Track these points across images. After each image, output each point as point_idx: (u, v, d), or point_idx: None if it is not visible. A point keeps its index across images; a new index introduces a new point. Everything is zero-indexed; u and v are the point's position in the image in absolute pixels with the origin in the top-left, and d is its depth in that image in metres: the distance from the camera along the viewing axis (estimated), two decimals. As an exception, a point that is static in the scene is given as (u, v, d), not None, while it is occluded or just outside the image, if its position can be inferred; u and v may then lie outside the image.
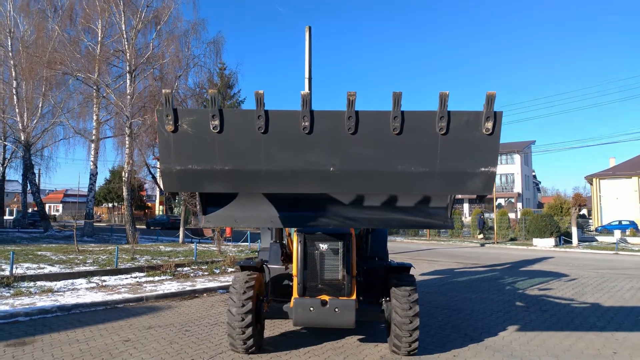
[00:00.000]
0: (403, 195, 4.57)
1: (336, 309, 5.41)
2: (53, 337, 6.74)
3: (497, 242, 29.81)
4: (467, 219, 46.33)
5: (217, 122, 3.59)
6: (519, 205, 54.56)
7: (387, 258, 7.52)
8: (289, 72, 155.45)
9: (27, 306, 8.36)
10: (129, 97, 22.04)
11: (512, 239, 31.52)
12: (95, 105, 24.90)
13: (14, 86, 28.42)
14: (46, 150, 34.23)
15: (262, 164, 3.70)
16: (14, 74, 28.40)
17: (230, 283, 6.22)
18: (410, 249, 24.70)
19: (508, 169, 60.06)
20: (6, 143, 34.76)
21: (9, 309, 8.10)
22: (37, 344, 6.39)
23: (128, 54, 22.28)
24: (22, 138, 28.87)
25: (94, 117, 25.29)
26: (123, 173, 24.82)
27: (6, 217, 42.97)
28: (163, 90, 3.59)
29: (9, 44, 28.21)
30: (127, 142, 22.64)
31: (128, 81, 22.42)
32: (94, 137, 25.22)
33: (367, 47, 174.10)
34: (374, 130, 3.58)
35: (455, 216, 34.17)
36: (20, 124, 28.53)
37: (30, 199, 37.70)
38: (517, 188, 59.38)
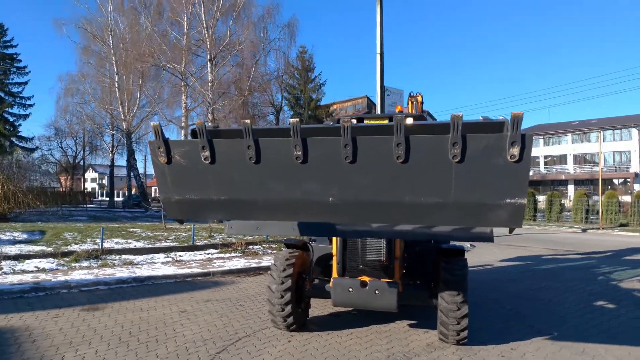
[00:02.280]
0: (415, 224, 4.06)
1: (376, 291, 5.13)
2: (122, 304, 7.22)
3: (603, 228, 26.96)
4: (570, 202, 42.53)
5: (207, 153, 3.45)
6: (637, 186, 48.74)
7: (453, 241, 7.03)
8: (364, 51, 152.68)
9: (108, 276, 9.08)
10: (210, 84, 23.04)
11: (622, 225, 28.30)
12: (183, 94, 26.39)
13: (116, 80, 31.06)
14: (146, 138, 37.16)
15: (258, 194, 3.52)
16: (115, 69, 31.01)
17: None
18: (496, 233, 23.07)
19: (623, 145, 53.61)
20: (113, 132, 38.27)
21: (92, 278, 8.87)
22: (107, 310, 6.89)
23: (208, 43, 23.22)
24: (124, 127, 31.56)
25: (183, 105, 26.85)
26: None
27: (117, 198, 47.60)
28: (152, 124, 3.54)
29: (111, 41, 30.80)
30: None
31: (209, 69, 23.42)
32: (183, 124, 26.81)
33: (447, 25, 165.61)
34: (376, 158, 3.15)
35: (554, 198, 31.38)
36: (122, 114, 31.21)
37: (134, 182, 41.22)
38: (634, 167, 52.85)
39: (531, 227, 28.28)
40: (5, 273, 9.22)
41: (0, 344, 5.30)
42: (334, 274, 5.48)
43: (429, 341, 5.53)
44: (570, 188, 53.43)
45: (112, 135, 39.68)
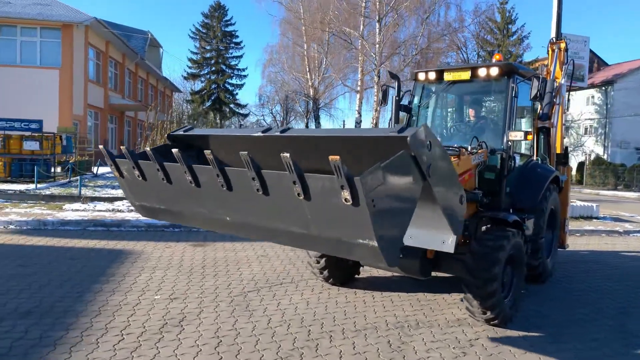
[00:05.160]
0: None
1: (401, 255, 4.85)
2: (218, 244, 8.31)
3: None
4: None
5: (137, 172, 3.98)
6: None
7: (542, 211, 6.06)
8: None
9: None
10: (377, 45, 23.08)
11: None
12: (360, 57, 27.05)
13: (305, 48, 33.52)
14: (329, 105, 39.53)
15: (180, 207, 4.01)
16: (304, 38, 33.44)
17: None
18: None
19: None
20: (304, 98, 41.69)
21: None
22: (208, 247, 8.07)
23: (377, 3, 23.08)
24: (311, 93, 34.11)
25: (359, 69, 27.57)
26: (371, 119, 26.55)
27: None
28: (100, 147, 4.18)
29: (301, 11, 33.19)
30: (375, 90, 23.96)
31: (377, 30, 23.40)
32: (359, 87, 27.61)
33: None
34: (246, 188, 3.25)
35: None
36: (309, 81, 33.72)
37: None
38: None
39: None
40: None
41: (112, 259, 6.80)
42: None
43: (460, 316, 5.00)
44: None
45: (306, 102, 43.25)
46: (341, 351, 4.06)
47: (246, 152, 3.03)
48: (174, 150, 3.53)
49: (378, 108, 23.71)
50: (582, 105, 39.69)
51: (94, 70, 26.34)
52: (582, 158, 37.81)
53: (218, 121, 49.81)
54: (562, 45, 8.23)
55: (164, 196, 4.06)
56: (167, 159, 3.85)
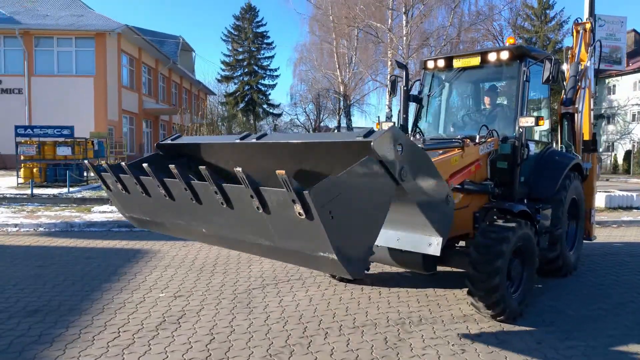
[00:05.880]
0: None
1: (402, 250, 4.69)
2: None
3: None
4: None
5: (120, 186, 4.04)
6: None
7: (560, 201, 5.74)
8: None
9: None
10: (403, 38, 22.64)
11: None
12: (390, 51, 26.67)
13: (334, 45, 33.39)
14: (359, 100, 39.23)
15: (161, 218, 4.08)
16: (334, 35, 33.31)
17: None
18: None
19: None
20: (335, 95, 41.56)
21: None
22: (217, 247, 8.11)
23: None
24: (342, 90, 33.96)
25: (388, 64, 27.18)
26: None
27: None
28: (86, 162, 4.36)
29: (330, 10, 33.06)
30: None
31: (404, 22, 22.93)
32: (387, 82, 27.24)
33: None
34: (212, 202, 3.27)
35: None
36: (339, 78, 33.58)
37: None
38: None
39: None
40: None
41: (128, 259, 6.95)
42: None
43: (468, 312, 4.78)
44: None
45: (338, 99, 43.12)
46: (333, 348, 3.95)
47: (204, 167, 3.01)
48: (144, 165, 3.56)
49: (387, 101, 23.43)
50: (629, 91, 37.57)
51: (127, 77, 27.19)
52: (629, 146, 35.81)
53: (252, 122, 50.40)
54: (587, 26, 7.77)
55: (145, 209, 4.15)
56: (162, 170, 3.97)
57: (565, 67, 8.03)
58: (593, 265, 6.76)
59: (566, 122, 7.20)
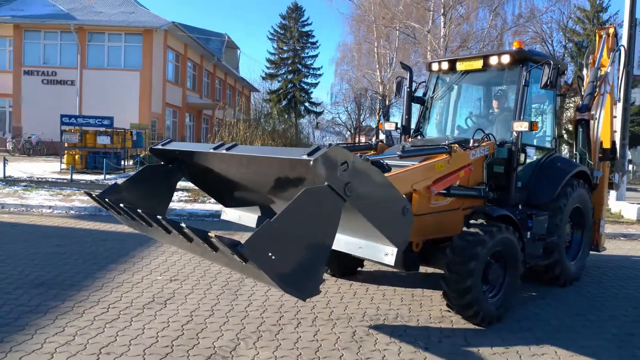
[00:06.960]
0: None
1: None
2: (247, 234, 8.60)
3: None
4: None
5: (113, 211, 4.33)
6: None
7: (559, 209, 5.64)
8: None
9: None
10: (442, 39, 22.30)
11: None
12: (429, 52, 26.34)
13: (375, 45, 33.30)
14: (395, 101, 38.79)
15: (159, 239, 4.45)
16: (374, 35, 33.22)
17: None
18: None
19: None
20: (376, 95, 41.37)
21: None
22: (236, 235, 8.31)
23: (443, -3, 22.28)
24: (381, 90, 33.82)
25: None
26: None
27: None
28: (84, 191, 4.80)
29: (371, 7, 32.99)
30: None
31: (442, 23, 22.58)
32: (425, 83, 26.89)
33: None
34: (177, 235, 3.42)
35: None
36: (379, 78, 33.46)
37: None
38: None
39: None
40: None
41: (140, 243, 7.35)
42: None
43: (447, 314, 4.79)
44: None
45: (378, 99, 42.92)
46: (300, 337, 4.09)
47: (161, 217, 3.27)
48: (121, 206, 3.89)
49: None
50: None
51: (172, 72, 28.27)
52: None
53: (293, 120, 51.02)
54: (611, 30, 7.53)
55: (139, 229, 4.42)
56: (164, 177, 4.64)
57: (585, 72, 7.80)
58: (599, 277, 6.53)
59: (581, 129, 6.98)
